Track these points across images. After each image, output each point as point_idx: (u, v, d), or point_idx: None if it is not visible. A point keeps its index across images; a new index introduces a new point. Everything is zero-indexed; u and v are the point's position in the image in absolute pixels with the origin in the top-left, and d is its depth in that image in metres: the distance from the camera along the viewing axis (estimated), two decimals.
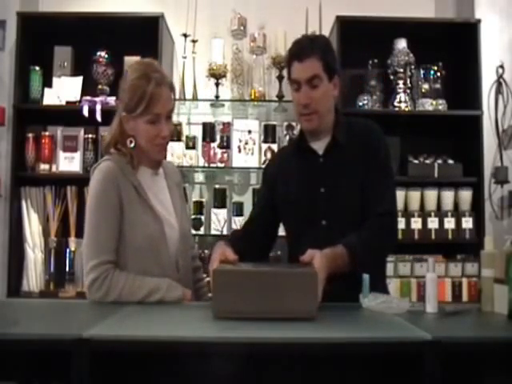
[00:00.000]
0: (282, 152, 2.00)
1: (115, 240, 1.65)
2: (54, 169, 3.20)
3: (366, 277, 1.51)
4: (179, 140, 3.20)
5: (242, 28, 3.30)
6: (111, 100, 3.14)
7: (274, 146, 3.22)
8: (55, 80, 3.23)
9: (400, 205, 3.12)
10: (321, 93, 1.71)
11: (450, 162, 3.23)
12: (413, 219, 3.13)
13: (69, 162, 3.19)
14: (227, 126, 3.26)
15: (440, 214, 3.15)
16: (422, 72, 3.28)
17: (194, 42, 3.27)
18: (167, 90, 1.69)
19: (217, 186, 3.29)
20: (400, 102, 3.19)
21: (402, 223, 3.10)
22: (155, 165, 1.81)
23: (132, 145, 1.73)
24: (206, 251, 3.06)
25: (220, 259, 1.51)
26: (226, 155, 3.21)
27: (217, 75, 3.21)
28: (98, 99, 3.12)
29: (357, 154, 1.73)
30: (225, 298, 1.34)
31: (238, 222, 3.17)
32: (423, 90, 3.27)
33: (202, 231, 3.19)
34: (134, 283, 1.61)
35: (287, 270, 1.47)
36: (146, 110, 1.66)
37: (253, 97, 3.28)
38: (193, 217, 3.17)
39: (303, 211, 1.76)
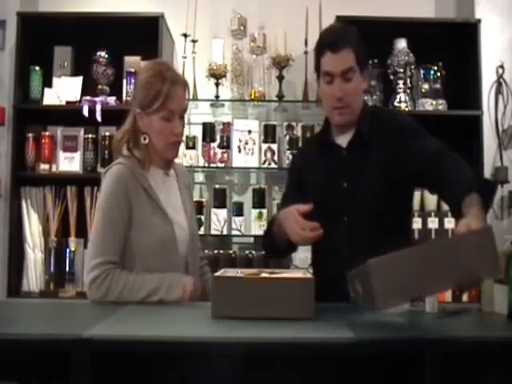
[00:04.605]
0: (306, 150, 1.94)
1: (120, 243, 1.66)
2: (54, 169, 3.20)
3: None
4: None
5: (242, 28, 3.30)
6: (111, 100, 3.14)
7: (274, 146, 3.22)
8: (55, 80, 3.23)
9: None
10: (354, 86, 1.68)
11: None
12: (413, 219, 3.12)
13: (69, 162, 3.19)
14: (227, 126, 3.26)
15: (440, 214, 3.14)
16: (422, 72, 3.27)
17: (194, 41, 3.27)
18: (181, 89, 1.73)
19: (217, 186, 3.29)
20: (400, 101, 3.19)
21: None
22: (166, 165, 1.82)
23: (146, 141, 1.75)
24: (206, 251, 3.06)
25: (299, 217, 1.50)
26: (225, 155, 3.21)
27: (217, 75, 3.20)
28: (97, 99, 3.11)
29: (381, 144, 1.70)
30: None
31: (238, 222, 3.18)
32: (423, 90, 3.26)
33: (202, 231, 3.19)
34: (134, 284, 1.62)
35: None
36: (162, 107, 1.69)
37: (253, 97, 3.27)
38: None
39: (325, 208, 1.67)
